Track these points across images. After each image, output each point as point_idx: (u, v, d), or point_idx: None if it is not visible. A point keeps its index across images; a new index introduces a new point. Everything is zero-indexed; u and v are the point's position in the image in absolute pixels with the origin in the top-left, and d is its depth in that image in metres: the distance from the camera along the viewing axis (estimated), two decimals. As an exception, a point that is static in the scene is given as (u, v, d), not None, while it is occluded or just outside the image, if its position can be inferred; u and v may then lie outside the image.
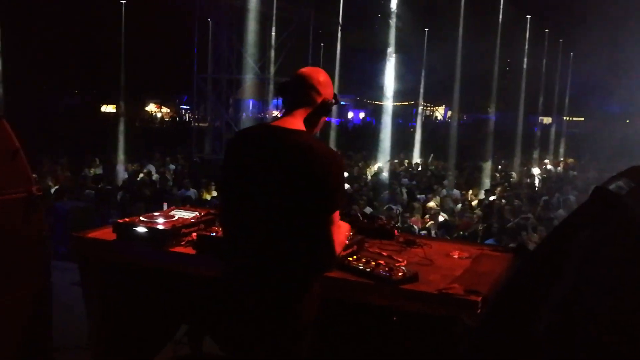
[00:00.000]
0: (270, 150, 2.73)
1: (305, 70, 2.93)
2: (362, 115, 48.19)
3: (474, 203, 13.92)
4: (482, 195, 15.21)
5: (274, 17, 20.49)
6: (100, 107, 33.39)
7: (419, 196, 13.37)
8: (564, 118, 32.22)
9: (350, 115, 45.16)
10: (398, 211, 11.14)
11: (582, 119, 42.12)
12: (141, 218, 3.73)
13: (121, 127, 19.26)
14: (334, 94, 2.94)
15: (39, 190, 3.76)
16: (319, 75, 2.90)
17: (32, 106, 21.58)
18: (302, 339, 2.78)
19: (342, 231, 2.80)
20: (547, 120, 33.45)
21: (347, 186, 15.30)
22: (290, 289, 2.72)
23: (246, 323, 2.79)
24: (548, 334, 1.37)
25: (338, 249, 2.74)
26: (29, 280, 3.73)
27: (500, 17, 22.03)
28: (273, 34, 20.84)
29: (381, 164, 21.91)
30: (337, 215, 2.71)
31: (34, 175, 3.83)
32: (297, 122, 2.81)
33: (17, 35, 19.06)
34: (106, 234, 3.96)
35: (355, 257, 3.36)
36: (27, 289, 3.72)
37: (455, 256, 3.58)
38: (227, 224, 2.98)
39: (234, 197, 2.86)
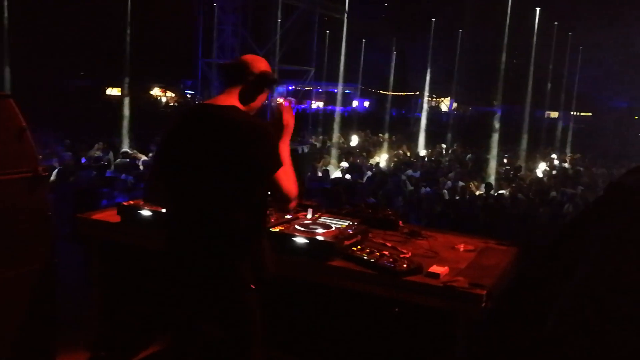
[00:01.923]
0: (204, 125, 2.93)
1: (245, 57, 3.14)
2: (366, 104, 48.06)
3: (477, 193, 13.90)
4: (482, 190, 15.17)
5: (279, 4, 20.39)
6: (106, 89, 33.34)
7: (424, 189, 13.31)
8: (572, 113, 32.06)
9: (355, 103, 45.01)
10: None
11: (590, 114, 41.90)
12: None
13: (126, 111, 19.23)
14: (272, 72, 3.15)
15: (45, 170, 3.74)
16: (253, 57, 3.15)
17: (39, 87, 21.55)
18: (249, 294, 2.93)
19: (289, 176, 2.93)
20: (554, 114, 33.32)
21: (348, 176, 15.27)
22: (233, 251, 2.87)
23: (196, 288, 2.97)
24: (559, 328, 1.36)
25: (290, 194, 2.90)
26: (33, 259, 3.73)
27: (509, 9, 21.88)
28: (279, 20, 20.75)
29: (385, 155, 21.87)
30: (280, 172, 2.87)
31: (39, 155, 3.80)
32: (230, 99, 3.01)
33: (24, 17, 19.01)
34: (111, 215, 3.97)
35: (359, 247, 3.36)
36: (31, 267, 3.72)
37: (461, 249, 3.56)
38: (168, 198, 3.08)
39: (175, 170, 2.99)
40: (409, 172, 16.33)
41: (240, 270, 2.88)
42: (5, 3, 17.00)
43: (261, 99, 3.12)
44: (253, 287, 2.93)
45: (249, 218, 2.89)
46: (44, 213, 3.76)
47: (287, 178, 2.91)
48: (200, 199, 2.92)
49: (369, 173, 15.85)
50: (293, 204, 2.97)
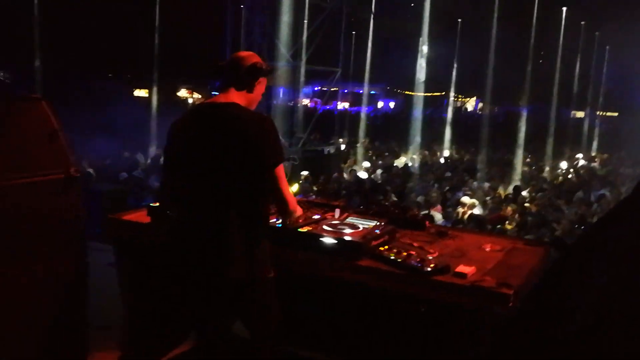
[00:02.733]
0: (205, 123, 3.04)
1: (238, 54, 3.26)
2: (392, 104, 47.90)
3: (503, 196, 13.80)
4: (510, 190, 15.06)
5: (306, 5, 20.42)
6: (133, 91, 33.66)
7: (458, 193, 13.24)
8: (598, 113, 31.64)
9: (380, 104, 44.90)
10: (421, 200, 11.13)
11: (617, 114, 41.26)
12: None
13: (153, 112, 19.46)
14: (264, 63, 3.25)
15: (77, 171, 3.81)
16: (243, 53, 3.28)
17: (69, 88, 21.84)
18: (262, 289, 3.06)
19: (287, 184, 3.08)
20: (579, 114, 32.91)
21: (373, 177, 15.28)
22: (241, 244, 2.97)
23: (204, 284, 3.08)
24: (583, 326, 1.36)
25: (291, 201, 3.07)
26: (65, 258, 3.79)
27: (536, 8, 21.67)
28: (305, 21, 20.78)
29: (412, 155, 21.82)
30: (280, 170, 2.99)
31: (73, 156, 3.87)
32: (228, 97, 3.11)
33: (53, 18, 19.28)
34: (140, 216, 4.02)
35: (386, 247, 3.37)
36: (63, 267, 3.79)
37: (488, 249, 3.56)
38: (177, 196, 3.20)
39: (182, 172, 3.11)
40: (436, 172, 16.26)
41: (247, 262, 2.98)
42: (36, 2, 17.24)
43: (259, 90, 3.23)
44: (268, 276, 3.06)
45: (253, 213, 3.01)
46: (76, 214, 3.83)
47: (285, 184, 3.03)
48: (205, 196, 3.02)
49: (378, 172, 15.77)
50: (292, 209, 3.11)
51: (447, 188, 13.62)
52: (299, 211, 3.27)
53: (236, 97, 3.12)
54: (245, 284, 3.01)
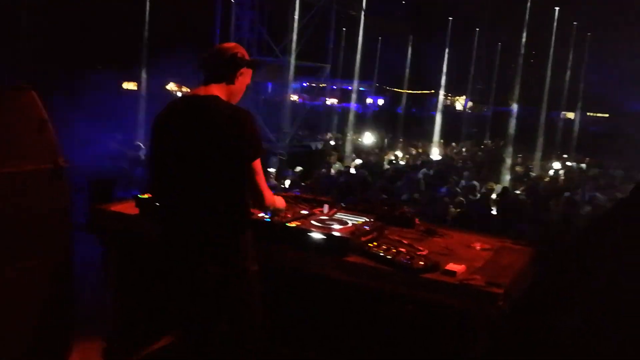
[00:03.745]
0: (185, 116, 3.03)
1: (220, 45, 3.24)
2: (381, 102, 47.94)
3: (493, 196, 13.81)
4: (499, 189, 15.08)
5: (297, 1, 20.39)
6: (122, 83, 33.48)
7: (442, 189, 13.24)
8: (587, 114, 31.78)
9: (369, 101, 44.88)
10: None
11: (607, 115, 41.46)
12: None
13: (142, 104, 19.37)
14: (245, 54, 3.22)
15: (65, 162, 3.78)
16: (225, 44, 3.25)
17: (59, 78, 21.70)
18: (244, 282, 3.06)
19: (264, 178, 3.08)
20: (569, 115, 33.06)
21: (360, 173, 15.26)
22: (223, 237, 3.00)
23: (187, 278, 3.07)
24: (581, 326, 1.36)
25: (267, 194, 3.07)
26: (51, 249, 3.77)
27: (528, 7, 21.74)
28: (296, 17, 20.74)
29: (399, 152, 21.85)
30: (258, 164, 3.00)
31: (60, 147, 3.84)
32: (209, 89, 3.09)
33: (43, 11, 19.14)
34: (128, 207, 3.99)
35: (375, 243, 3.36)
36: (49, 258, 3.76)
37: (477, 247, 3.56)
38: (160, 190, 3.22)
39: (163, 164, 3.11)
40: (423, 170, 16.29)
41: (229, 255, 3.00)
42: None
43: (241, 82, 3.20)
44: (249, 270, 3.07)
45: (234, 205, 3.00)
46: (63, 204, 3.80)
47: (262, 178, 3.04)
48: (186, 188, 3.02)
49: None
50: (268, 203, 3.11)
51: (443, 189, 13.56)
52: (278, 205, 3.31)
53: (216, 89, 3.10)
54: (227, 276, 3.01)
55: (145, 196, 3.85)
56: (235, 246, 3.01)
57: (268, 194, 3.10)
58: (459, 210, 10.64)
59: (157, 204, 3.29)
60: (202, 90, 3.11)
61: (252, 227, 3.14)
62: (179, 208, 3.07)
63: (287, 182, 12.77)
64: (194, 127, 2.98)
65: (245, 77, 3.21)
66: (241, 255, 3.03)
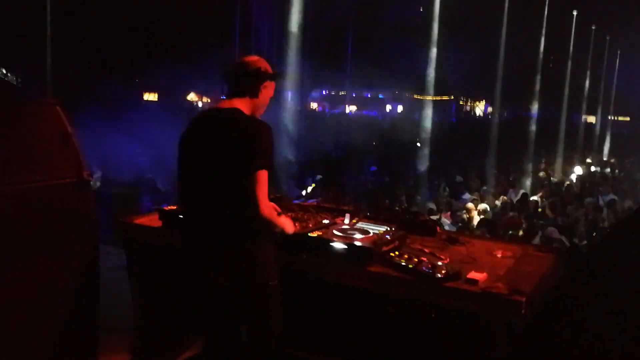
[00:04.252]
0: (207, 127, 3.10)
1: (244, 58, 3.26)
2: (400, 108, 47.92)
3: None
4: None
5: (315, 10, 20.49)
6: (143, 95, 33.79)
7: (463, 196, 13.16)
8: (609, 117, 31.49)
9: (388, 108, 44.84)
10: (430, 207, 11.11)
11: (628, 118, 41.04)
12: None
13: (163, 115, 19.52)
14: (269, 67, 3.24)
15: (89, 175, 3.84)
16: (249, 57, 3.27)
17: (81, 92, 21.97)
18: (264, 295, 3.07)
19: (266, 190, 3.01)
20: (591, 118, 32.78)
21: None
22: (239, 249, 3.01)
23: (207, 289, 3.12)
24: (605, 329, 1.36)
25: (263, 206, 2.97)
26: (76, 261, 3.82)
27: (546, 12, 21.61)
28: (314, 26, 20.83)
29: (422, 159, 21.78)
30: (262, 175, 2.95)
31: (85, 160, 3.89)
32: (232, 102, 3.13)
33: (66, 23, 19.39)
34: (152, 220, 4.04)
35: (397, 252, 3.37)
36: (75, 270, 3.81)
37: (499, 255, 3.55)
38: (183, 202, 3.31)
39: (185, 173, 3.18)
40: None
41: (247, 268, 3.02)
42: (49, 9, 17.34)
43: (265, 94, 3.23)
44: (269, 285, 3.07)
45: (250, 216, 2.98)
46: (88, 217, 3.85)
47: (263, 188, 2.97)
48: (204, 200, 3.07)
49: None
50: (263, 213, 2.97)
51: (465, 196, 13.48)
52: (285, 225, 3.22)
53: (239, 102, 3.13)
54: (247, 290, 3.05)
55: (169, 208, 3.90)
56: (252, 258, 3.03)
57: (265, 205, 2.99)
58: (482, 217, 10.59)
59: (181, 215, 3.34)
60: (225, 103, 3.15)
61: (272, 240, 3.15)
62: (199, 219, 3.12)
63: (309, 189, 12.81)
64: (213, 139, 3.03)
65: (268, 90, 3.25)
66: (261, 269, 3.05)
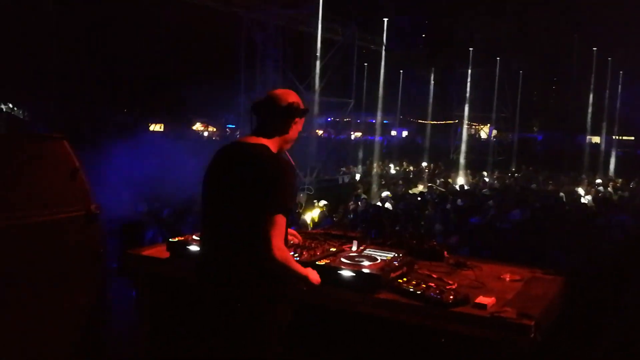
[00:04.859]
0: (232, 162, 3.05)
1: (273, 92, 3.18)
2: (405, 133, 48.04)
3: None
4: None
5: (318, 38, 20.67)
6: (149, 125, 34.04)
7: (473, 219, 13.14)
8: (614, 137, 31.50)
9: (394, 133, 44.99)
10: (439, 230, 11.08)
11: (633, 138, 41.02)
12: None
13: (169, 145, 19.68)
14: (301, 102, 3.16)
15: (97, 208, 3.87)
16: (281, 91, 3.19)
17: (87, 124, 22.17)
18: (264, 341, 2.96)
19: (281, 234, 2.92)
20: (595, 139, 32.80)
21: (388, 205, 15.21)
22: (244, 298, 2.92)
23: (209, 320, 3.05)
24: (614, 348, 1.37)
25: (275, 249, 2.85)
26: (85, 294, 3.83)
27: (548, 35, 21.76)
28: (318, 54, 21.01)
29: (424, 184, 21.81)
30: (279, 219, 2.87)
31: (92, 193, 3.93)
32: (259, 136, 3.08)
33: (71, 56, 19.64)
34: (160, 251, 4.05)
35: (405, 278, 3.36)
36: (83, 302, 3.83)
37: (507, 279, 3.55)
38: (201, 231, 3.23)
39: (207, 207, 3.11)
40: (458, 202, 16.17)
41: (253, 301, 2.93)
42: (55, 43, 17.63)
43: (295, 129, 3.17)
44: (270, 352, 2.97)
45: (261, 258, 2.88)
46: (96, 250, 3.88)
47: (278, 230, 2.87)
48: (220, 234, 3.02)
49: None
50: (275, 255, 2.85)
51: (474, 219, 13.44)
52: (309, 275, 3.08)
53: (268, 138, 3.07)
54: (240, 352, 2.97)
55: (176, 239, 3.92)
56: (261, 317, 2.93)
57: (279, 248, 2.87)
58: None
59: (197, 247, 3.30)
60: (252, 139, 3.09)
61: (287, 300, 3.04)
62: (212, 257, 3.06)
63: (314, 213, 12.82)
64: (236, 176, 2.98)
65: (298, 125, 3.18)
66: (264, 333, 2.96)
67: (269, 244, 2.83)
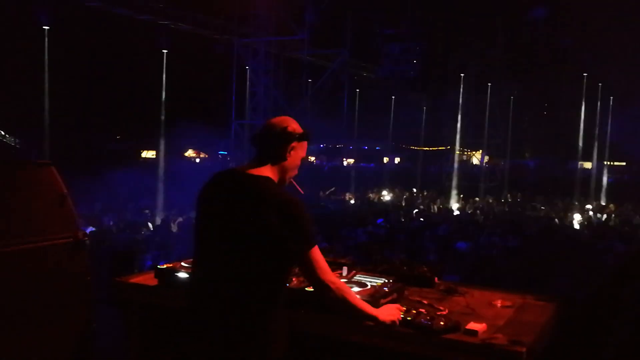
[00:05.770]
0: (234, 195, 2.87)
1: (271, 120, 3.08)
2: (397, 160, 48.21)
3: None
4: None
5: (309, 65, 20.83)
6: (141, 152, 34.04)
7: (458, 243, 13.16)
8: (605, 163, 31.66)
9: (386, 160, 45.18)
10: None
11: (624, 163, 41.25)
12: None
13: (160, 173, 19.67)
14: (297, 127, 3.06)
15: (84, 235, 3.83)
16: (280, 118, 3.10)
17: (77, 150, 22.16)
18: None
19: (326, 266, 2.85)
20: (587, 165, 32.96)
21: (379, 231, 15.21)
22: (242, 331, 2.80)
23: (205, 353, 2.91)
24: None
25: (332, 283, 2.83)
26: (71, 321, 3.78)
27: (537, 62, 21.98)
28: (310, 80, 21.16)
29: (417, 210, 21.81)
30: (315, 253, 2.81)
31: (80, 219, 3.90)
32: (261, 167, 2.96)
33: (63, 84, 19.69)
34: (148, 279, 4.00)
35: (395, 305, 3.33)
36: (70, 330, 3.77)
37: (498, 305, 3.52)
38: (194, 262, 3.08)
39: (201, 237, 2.98)
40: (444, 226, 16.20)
41: (246, 347, 2.80)
42: (46, 69, 17.69)
43: (295, 155, 3.04)
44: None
45: (263, 295, 2.82)
46: (83, 278, 3.84)
47: (321, 268, 2.82)
48: (216, 268, 2.88)
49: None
50: (335, 295, 2.84)
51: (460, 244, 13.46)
52: (348, 294, 2.95)
53: (268, 167, 2.96)
54: None
55: (164, 266, 3.87)
56: (253, 337, 2.81)
57: (332, 280, 2.83)
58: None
59: (190, 274, 3.21)
60: (254, 170, 2.95)
61: (285, 340, 2.95)
62: (205, 285, 2.92)
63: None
64: (240, 208, 2.82)
65: (298, 151, 3.04)
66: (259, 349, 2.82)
67: (322, 286, 2.81)
